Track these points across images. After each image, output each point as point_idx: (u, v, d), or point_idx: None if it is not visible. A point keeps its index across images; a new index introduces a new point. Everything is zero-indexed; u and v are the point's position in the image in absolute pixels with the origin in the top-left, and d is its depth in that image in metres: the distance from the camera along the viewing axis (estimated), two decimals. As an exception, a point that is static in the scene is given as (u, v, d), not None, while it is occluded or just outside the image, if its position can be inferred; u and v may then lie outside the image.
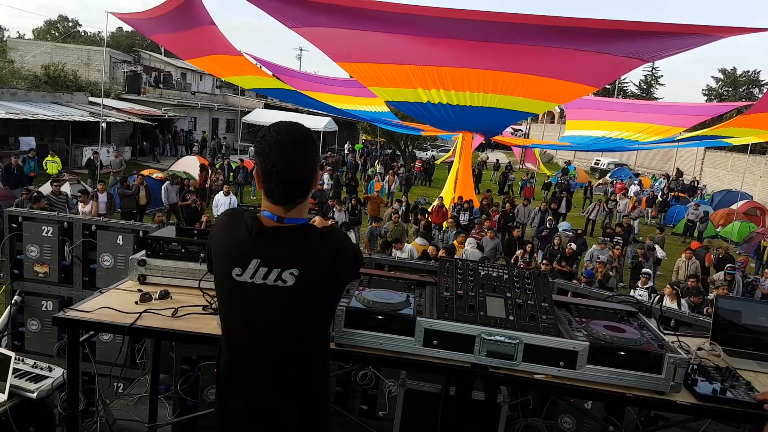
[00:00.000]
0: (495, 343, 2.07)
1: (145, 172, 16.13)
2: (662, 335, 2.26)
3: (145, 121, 26.59)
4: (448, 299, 2.21)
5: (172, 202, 13.74)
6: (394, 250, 9.79)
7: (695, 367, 2.23)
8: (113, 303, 2.32)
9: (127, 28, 52.09)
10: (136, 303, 2.36)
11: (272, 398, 1.72)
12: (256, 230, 1.67)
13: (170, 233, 2.75)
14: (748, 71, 48.95)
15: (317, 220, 1.86)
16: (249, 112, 34.58)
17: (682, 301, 8.42)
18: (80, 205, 10.88)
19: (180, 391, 3.41)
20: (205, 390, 3.40)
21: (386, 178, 20.93)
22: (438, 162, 29.80)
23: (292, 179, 1.66)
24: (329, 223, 2.07)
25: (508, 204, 15.87)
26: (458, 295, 2.22)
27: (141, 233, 4.03)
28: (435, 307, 2.24)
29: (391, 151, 33.91)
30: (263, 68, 14.34)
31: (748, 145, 17.67)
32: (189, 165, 18.77)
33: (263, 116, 33.72)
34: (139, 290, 2.47)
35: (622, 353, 2.06)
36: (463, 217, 14.19)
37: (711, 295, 9.23)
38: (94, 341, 3.95)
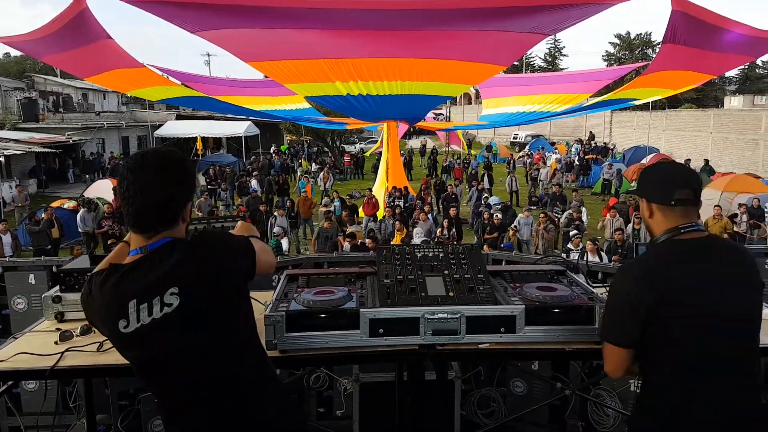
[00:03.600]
0: (439, 321, 2.09)
1: (55, 204, 15.10)
2: (591, 288, 2.37)
3: (48, 149, 24.88)
4: (389, 286, 2.21)
5: (89, 231, 12.99)
6: (347, 243, 9.74)
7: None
8: (30, 347, 2.14)
9: (15, 52, 48.43)
10: (56, 343, 2.19)
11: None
12: (116, 278, 1.56)
13: (84, 263, 2.57)
14: (641, 34, 52.50)
15: (238, 226, 1.78)
16: (161, 125, 33.08)
17: (603, 255, 8.97)
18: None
19: (121, 428, 3.22)
20: (149, 422, 3.23)
21: (320, 175, 20.71)
22: (367, 154, 29.88)
23: (147, 204, 1.54)
24: (251, 228, 1.99)
25: (449, 186, 16.22)
26: (398, 281, 2.23)
27: (54, 268, 3.74)
28: (377, 296, 2.23)
29: (317, 148, 33.58)
30: (170, 78, 13.72)
31: (649, 102, 18.93)
32: (102, 189, 17.74)
33: (176, 128, 32.41)
34: (58, 329, 2.30)
35: (556, 310, 2.15)
36: (399, 204, 14.34)
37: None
38: (17, 392, 3.65)
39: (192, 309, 1.54)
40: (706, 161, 23.66)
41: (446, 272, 2.30)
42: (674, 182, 1.79)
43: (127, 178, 1.54)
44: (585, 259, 2.79)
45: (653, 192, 1.85)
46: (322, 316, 2.11)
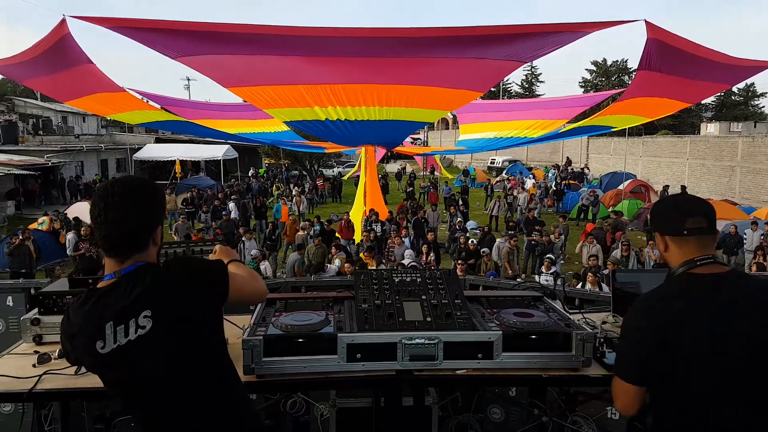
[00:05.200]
0: (416, 347, 2.11)
1: (32, 226, 14.89)
2: (568, 315, 2.41)
3: (27, 172, 24.61)
4: (367, 311, 2.23)
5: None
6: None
7: (602, 340, 2.36)
8: (7, 369, 2.13)
9: (-9, 73, 47.77)
10: (34, 366, 2.19)
11: None
12: (93, 301, 1.60)
13: (63, 287, 2.57)
14: (617, 61, 53.34)
15: (216, 249, 1.81)
16: (140, 148, 32.91)
17: (603, 286, 8.91)
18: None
19: (96, 454, 3.15)
20: (124, 448, 3.16)
21: (294, 199, 20.66)
22: (345, 177, 29.99)
23: (117, 229, 1.60)
24: (231, 251, 2.02)
25: (421, 212, 16.23)
26: (376, 305, 2.25)
27: (33, 291, 3.69)
28: (355, 320, 2.24)
29: (297, 171, 33.63)
30: (150, 102, 13.73)
31: (626, 128, 19.35)
32: (81, 211, 17.49)
33: (155, 151, 32.34)
34: (36, 351, 2.30)
35: (533, 337, 2.17)
36: (377, 229, 14.36)
37: (605, 271, 9.92)
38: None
39: (164, 331, 1.57)
40: (683, 188, 24.15)
41: (424, 297, 2.33)
42: (685, 211, 1.73)
43: (98, 204, 1.60)
44: (562, 284, 2.84)
45: (664, 224, 1.78)
46: (300, 340, 2.11)
